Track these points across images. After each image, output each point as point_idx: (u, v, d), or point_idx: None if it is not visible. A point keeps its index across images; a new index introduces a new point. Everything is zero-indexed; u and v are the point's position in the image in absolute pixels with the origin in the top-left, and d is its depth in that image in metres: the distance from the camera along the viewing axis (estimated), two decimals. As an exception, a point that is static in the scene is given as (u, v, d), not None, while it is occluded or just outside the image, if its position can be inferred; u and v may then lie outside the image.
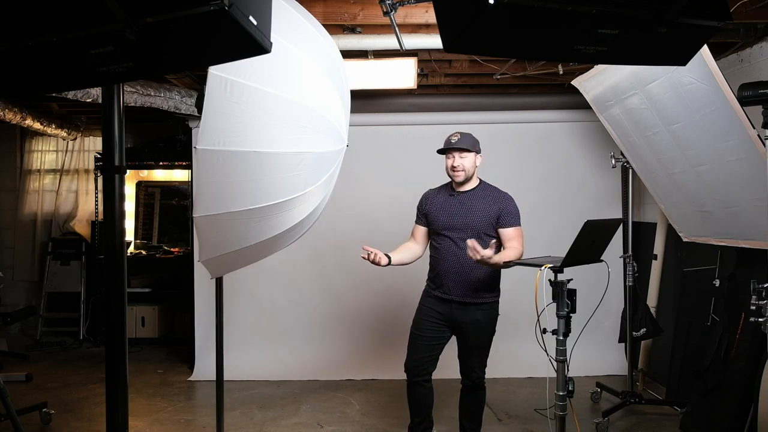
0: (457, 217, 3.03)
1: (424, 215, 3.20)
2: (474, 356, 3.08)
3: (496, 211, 3.01)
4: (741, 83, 2.37)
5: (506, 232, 3.01)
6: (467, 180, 3.06)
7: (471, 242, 2.75)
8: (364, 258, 2.96)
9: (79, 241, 6.32)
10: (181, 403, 4.34)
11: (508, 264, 2.89)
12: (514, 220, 3.03)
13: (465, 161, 3.01)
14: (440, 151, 3.08)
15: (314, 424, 3.88)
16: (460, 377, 3.19)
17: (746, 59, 3.45)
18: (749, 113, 2.66)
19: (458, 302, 3.02)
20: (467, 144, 3.00)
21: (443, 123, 4.74)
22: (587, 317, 2.95)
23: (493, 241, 2.87)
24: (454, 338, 3.16)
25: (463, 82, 4.62)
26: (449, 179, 3.14)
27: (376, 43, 3.42)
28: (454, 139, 3.02)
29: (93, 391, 4.53)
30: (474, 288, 3.00)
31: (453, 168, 3.03)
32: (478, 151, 3.06)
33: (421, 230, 3.22)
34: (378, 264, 2.98)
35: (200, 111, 2.06)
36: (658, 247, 4.46)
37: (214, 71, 1.95)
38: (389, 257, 3.04)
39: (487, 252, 2.73)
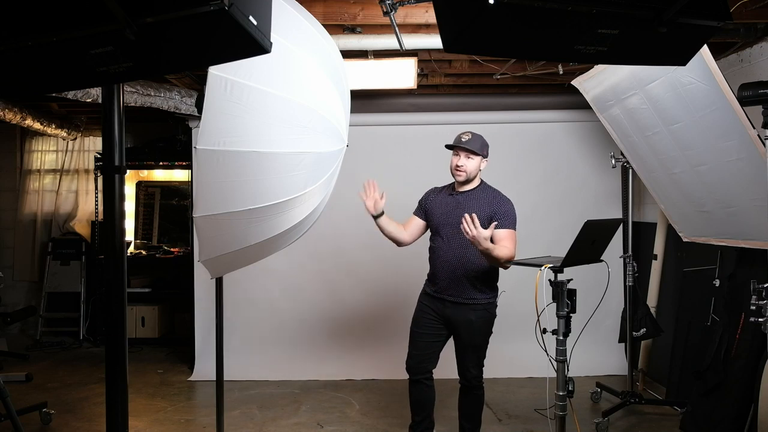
0: (451, 217, 3.03)
1: (423, 210, 3.20)
2: (468, 356, 3.08)
3: (489, 213, 2.97)
4: (741, 83, 2.37)
5: (497, 233, 2.95)
6: (468, 181, 3.06)
7: (467, 217, 2.70)
8: (364, 188, 3.04)
9: (79, 241, 6.32)
10: (181, 403, 4.34)
11: (504, 264, 2.89)
12: (506, 222, 2.97)
13: (469, 163, 3.00)
14: (448, 146, 3.08)
15: (314, 424, 3.88)
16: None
17: (746, 59, 3.45)
18: (749, 113, 2.66)
19: (450, 301, 3.03)
20: (476, 147, 2.98)
21: (443, 123, 4.75)
22: (587, 317, 2.95)
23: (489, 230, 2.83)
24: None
25: (463, 82, 4.62)
26: (452, 178, 3.13)
27: (376, 43, 3.42)
28: (465, 138, 3.00)
29: (93, 391, 4.53)
30: (465, 288, 2.99)
31: (456, 167, 3.03)
32: (485, 156, 3.05)
33: (415, 221, 3.21)
34: (368, 207, 3.05)
35: (200, 111, 2.06)
36: (658, 247, 4.46)
37: (214, 71, 1.95)
38: (382, 214, 3.08)
39: (485, 232, 2.69)
